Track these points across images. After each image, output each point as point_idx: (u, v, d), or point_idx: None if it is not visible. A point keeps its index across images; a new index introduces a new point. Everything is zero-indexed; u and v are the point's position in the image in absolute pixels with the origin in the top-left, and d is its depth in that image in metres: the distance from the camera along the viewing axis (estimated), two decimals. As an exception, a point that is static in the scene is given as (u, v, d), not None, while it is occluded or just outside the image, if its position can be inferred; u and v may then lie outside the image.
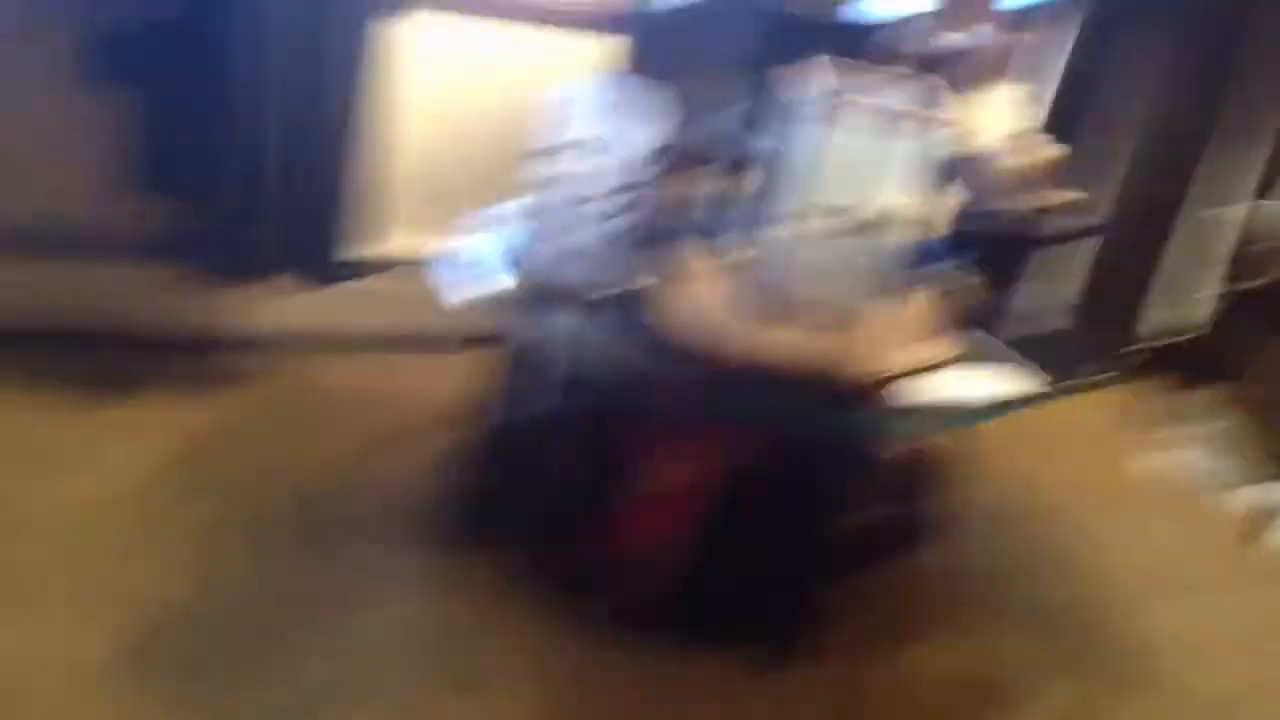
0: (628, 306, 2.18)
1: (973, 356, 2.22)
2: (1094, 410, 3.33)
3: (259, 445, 2.61)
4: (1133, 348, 3.50)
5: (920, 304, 2.16)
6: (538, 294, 2.12)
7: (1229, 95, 3.28)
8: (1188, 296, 3.54)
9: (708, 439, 2.26)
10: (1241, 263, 3.43)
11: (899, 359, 2.06)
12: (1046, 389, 2.24)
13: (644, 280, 2.17)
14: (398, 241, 2.93)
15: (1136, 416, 3.45)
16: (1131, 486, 3.22)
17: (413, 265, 2.92)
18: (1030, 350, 2.35)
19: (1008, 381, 2.23)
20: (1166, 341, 3.52)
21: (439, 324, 2.90)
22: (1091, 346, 2.58)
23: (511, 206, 2.38)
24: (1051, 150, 2.49)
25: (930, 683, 2.39)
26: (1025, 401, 2.20)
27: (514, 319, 2.14)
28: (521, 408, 2.35)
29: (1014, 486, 2.99)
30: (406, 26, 2.63)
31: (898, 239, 2.00)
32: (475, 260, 2.21)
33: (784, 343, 2.03)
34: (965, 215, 2.59)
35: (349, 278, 2.76)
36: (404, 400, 2.81)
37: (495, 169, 2.67)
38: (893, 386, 2.05)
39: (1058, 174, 2.48)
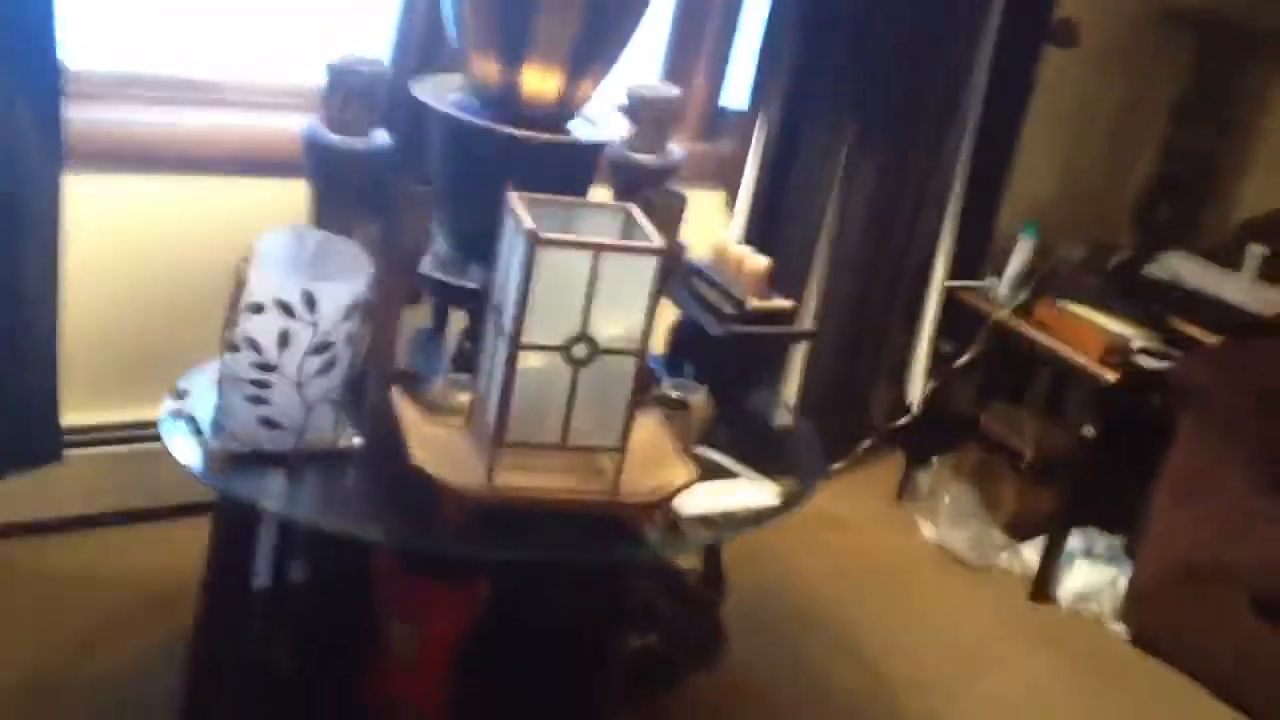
0: (340, 467, 2.05)
1: (714, 472, 2.18)
2: (843, 499, 3.36)
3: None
4: (862, 439, 3.56)
5: (654, 426, 2.10)
6: (241, 461, 1.97)
7: (917, 191, 3.41)
8: (904, 379, 3.64)
9: (456, 590, 2.14)
10: (951, 339, 3.55)
11: (653, 483, 2.00)
12: (794, 492, 2.22)
13: (350, 439, 2.05)
14: (94, 412, 2.71)
15: (882, 498, 3.50)
16: (901, 566, 3.25)
17: (114, 434, 2.73)
18: (766, 453, 2.34)
19: (754, 491, 2.20)
20: (892, 425, 3.60)
21: (149, 494, 2.69)
22: (824, 441, 2.58)
23: (209, 370, 2.23)
24: (757, 260, 2.50)
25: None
26: (776, 510, 2.17)
27: (223, 486, 1.97)
28: (237, 584, 2.17)
29: (786, 585, 2.96)
30: (77, 187, 2.45)
31: (619, 364, 1.94)
32: (183, 423, 2.04)
33: (538, 482, 1.94)
34: (682, 330, 2.58)
35: (48, 456, 2.53)
36: (118, 581, 2.58)
37: (185, 330, 2.51)
38: (655, 510, 1.99)
39: (766, 282, 2.48)
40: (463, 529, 1.92)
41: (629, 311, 1.93)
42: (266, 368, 1.93)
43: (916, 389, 3.61)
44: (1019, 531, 3.35)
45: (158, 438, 2.04)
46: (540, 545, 1.98)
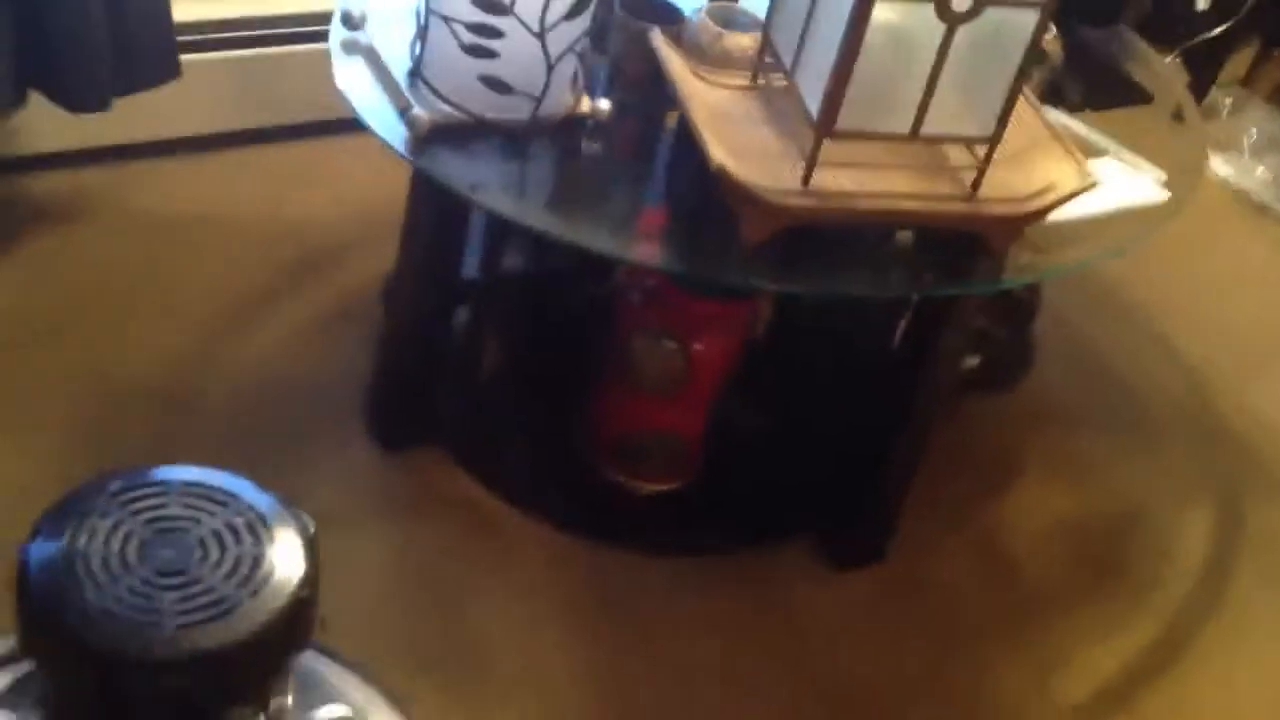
0: (586, 144, 1.48)
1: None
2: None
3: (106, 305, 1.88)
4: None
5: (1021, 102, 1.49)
6: (454, 133, 1.41)
7: None
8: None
9: (732, 304, 1.62)
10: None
11: (1028, 186, 1.42)
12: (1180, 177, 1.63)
13: (597, 103, 1.46)
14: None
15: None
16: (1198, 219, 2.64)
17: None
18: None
19: (1133, 181, 1.61)
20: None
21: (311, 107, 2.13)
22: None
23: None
24: None
25: (1049, 532, 1.88)
26: (1164, 210, 1.59)
27: (434, 171, 1.42)
28: (438, 271, 1.66)
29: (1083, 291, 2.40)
30: None
31: (1015, 20, 1.31)
32: (362, 63, 1.47)
33: (875, 185, 1.37)
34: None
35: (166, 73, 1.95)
36: (293, 221, 2.07)
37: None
38: (1031, 223, 1.42)
39: None
40: (764, 249, 1.37)
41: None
42: (497, 7, 1.32)
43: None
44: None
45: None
46: (869, 273, 1.44)
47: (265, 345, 1.86)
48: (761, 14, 1.52)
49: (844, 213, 1.38)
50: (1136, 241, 1.55)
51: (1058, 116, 1.66)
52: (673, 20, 1.53)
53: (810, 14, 1.36)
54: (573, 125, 1.46)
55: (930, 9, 1.28)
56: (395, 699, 1.18)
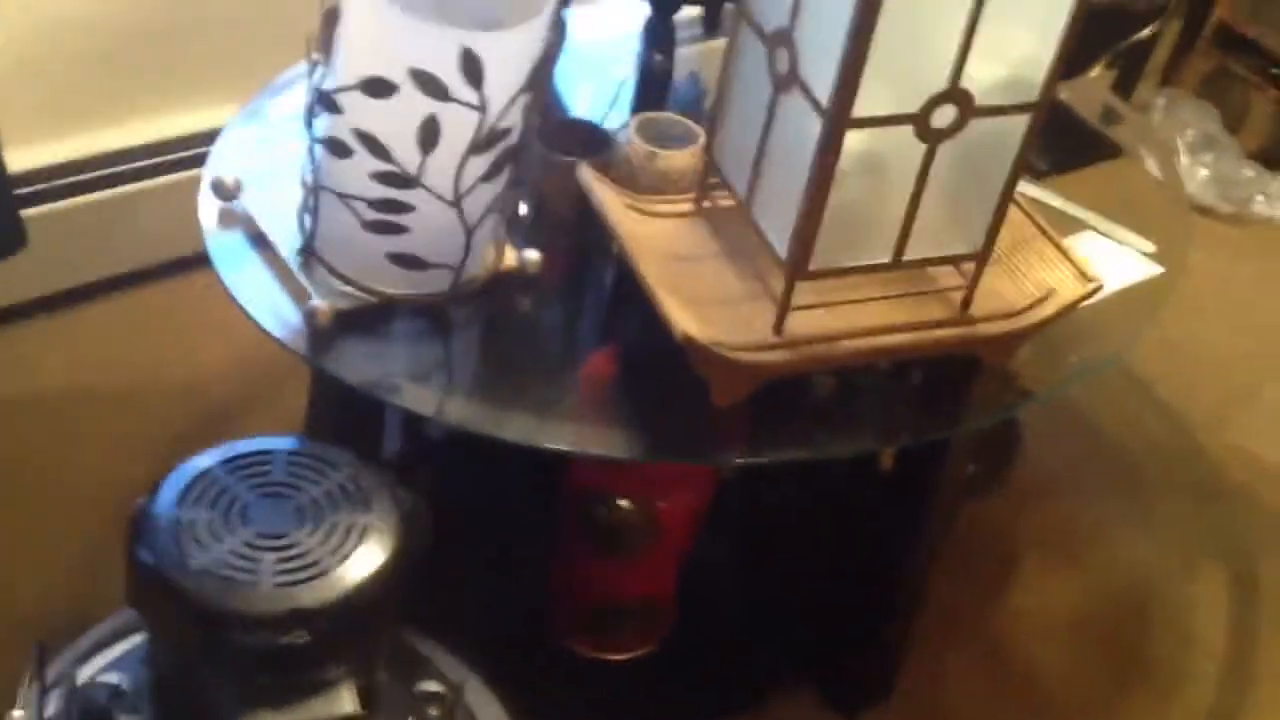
0: (515, 305, 1.27)
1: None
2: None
3: None
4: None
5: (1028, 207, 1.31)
6: (360, 319, 1.19)
7: None
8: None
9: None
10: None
11: (1022, 296, 1.25)
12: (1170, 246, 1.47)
13: (522, 257, 1.26)
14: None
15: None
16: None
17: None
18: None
19: (1125, 256, 1.45)
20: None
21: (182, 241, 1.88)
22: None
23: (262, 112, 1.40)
24: None
25: (1061, 630, 1.73)
26: (1161, 281, 1.43)
27: (343, 374, 1.20)
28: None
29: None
30: None
31: (1003, 129, 1.13)
32: (242, 239, 1.25)
33: (854, 321, 1.18)
34: None
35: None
36: (181, 380, 1.84)
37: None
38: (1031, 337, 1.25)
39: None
40: (731, 410, 1.18)
41: (1027, 34, 1.10)
42: (402, 180, 1.11)
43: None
44: (1272, 159, 2.60)
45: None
46: (856, 424, 1.25)
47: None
48: (694, 118, 1.34)
49: (825, 359, 1.20)
50: (1139, 333, 1.39)
51: (1025, 189, 1.49)
52: (599, 145, 1.33)
53: (765, 136, 1.17)
54: (498, 286, 1.25)
55: (908, 130, 1.10)
56: (491, 680, 1.23)
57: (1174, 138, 2.56)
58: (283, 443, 1.07)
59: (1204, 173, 2.54)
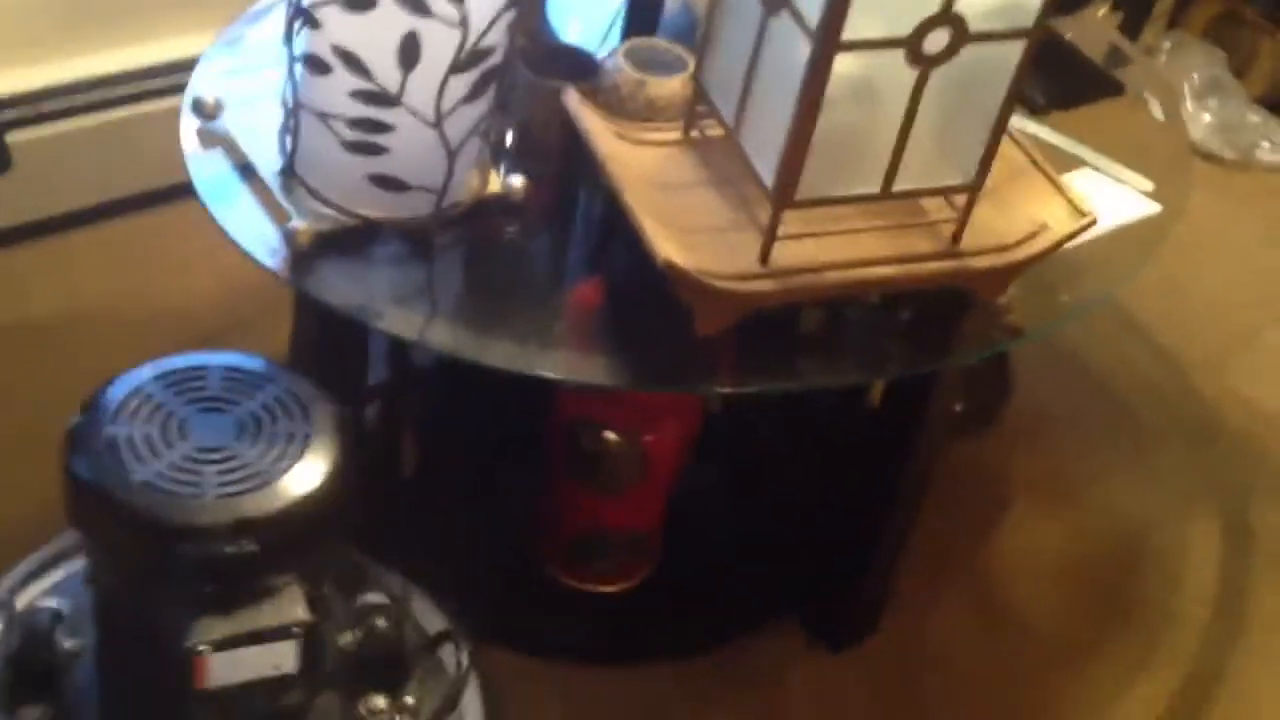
0: (499, 232, 1.26)
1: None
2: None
3: None
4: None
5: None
6: (340, 241, 1.18)
7: None
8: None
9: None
10: None
11: (1016, 229, 1.23)
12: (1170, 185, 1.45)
13: (507, 181, 1.24)
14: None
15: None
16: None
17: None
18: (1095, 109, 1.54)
19: (1123, 193, 1.42)
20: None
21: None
22: None
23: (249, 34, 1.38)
24: None
25: (1049, 572, 1.71)
26: (1160, 220, 1.41)
27: (320, 294, 1.19)
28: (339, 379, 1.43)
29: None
30: None
31: (996, 56, 1.11)
32: (222, 159, 1.23)
33: (840, 253, 1.16)
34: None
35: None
36: (169, 307, 1.83)
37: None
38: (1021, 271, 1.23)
39: None
40: (718, 340, 1.17)
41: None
42: (382, 99, 1.09)
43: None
44: (1278, 104, 2.56)
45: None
46: (844, 355, 1.24)
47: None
48: (684, 46, 1.31)
49: (811, 291, 1.18)
50: (1134, 272, 1.37)
51: (1023, 124, 1.47)
52: (586, 71, 1.30)
53: (753, 61, 1.15)
54: (482, 211, 1.24)
55: (899, 55, 1.07)
56: (434, 592, 1.24)
57: (1180, 81, 2.53)
58: (215, 358, 1.07)
59: (1208, 118, 2.51)
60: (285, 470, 0.98)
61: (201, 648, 0.96)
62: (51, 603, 1.12)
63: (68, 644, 1.10)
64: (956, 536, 1.71)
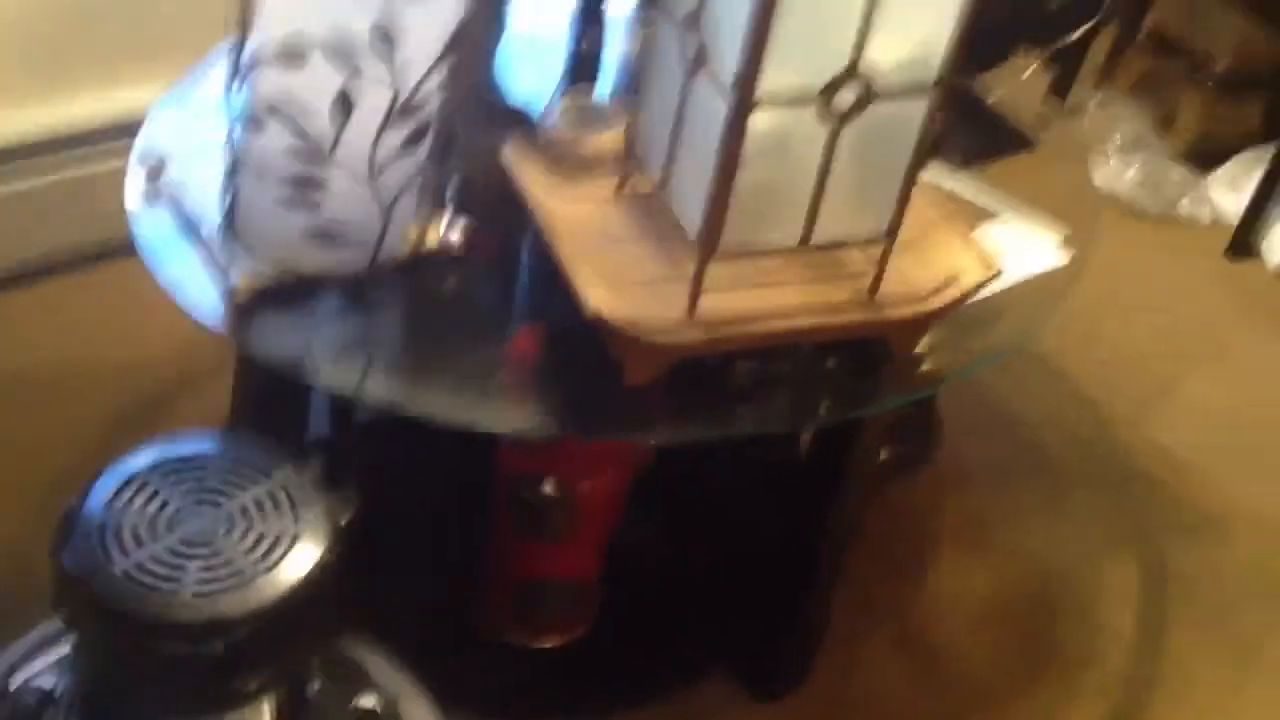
0: (436, 285, 1.30)
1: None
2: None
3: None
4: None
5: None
6: (278, 296, 1.21)
7: None
8: None
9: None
10: None
11: (930, 280, 1.28)
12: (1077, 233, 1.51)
13: (443, 233, 1.29)
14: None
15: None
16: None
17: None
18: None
19: (1033, 242, 1.48)
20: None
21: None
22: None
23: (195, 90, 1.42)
24: None
25: (975, 618, 1.76)
26: (1070, 270, 1.47)
27: (259, 350, 1.22)
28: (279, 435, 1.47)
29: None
30: None
31: (903, 112, 1.16)
32: (167, 216, 1.27)
33: (764, 303, 1.21)
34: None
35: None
36: (118, 364, 1.85)
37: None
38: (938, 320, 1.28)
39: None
40: (650, 391, 1.21)
41: (924, 18, 1.14)
42: (315, 156, 1.13)
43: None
44: (1200, 160, 2.65)
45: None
46: (770, 403, 1.28)
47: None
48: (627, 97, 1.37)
49: (737, 340, 1.23)
50: (1045, 320, 1.43)
51: (941, 179, 1.53)
52: (525, 127, 1.35)
53: (678, 118, 1.20)
54: (422, 263, 1.28)
55: (810, 112, 1.13)
56: (432, 692, 1.22)
57: (1106, 137, 2.62)
58: (220, 444, 1.06)
59: (1132, 173, 2.59)
60: (268, 570, 0.97)
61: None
62: (47, 682, 1.11)
63: (54, 728, 1.09)
64: (886, 583, 1.76)
